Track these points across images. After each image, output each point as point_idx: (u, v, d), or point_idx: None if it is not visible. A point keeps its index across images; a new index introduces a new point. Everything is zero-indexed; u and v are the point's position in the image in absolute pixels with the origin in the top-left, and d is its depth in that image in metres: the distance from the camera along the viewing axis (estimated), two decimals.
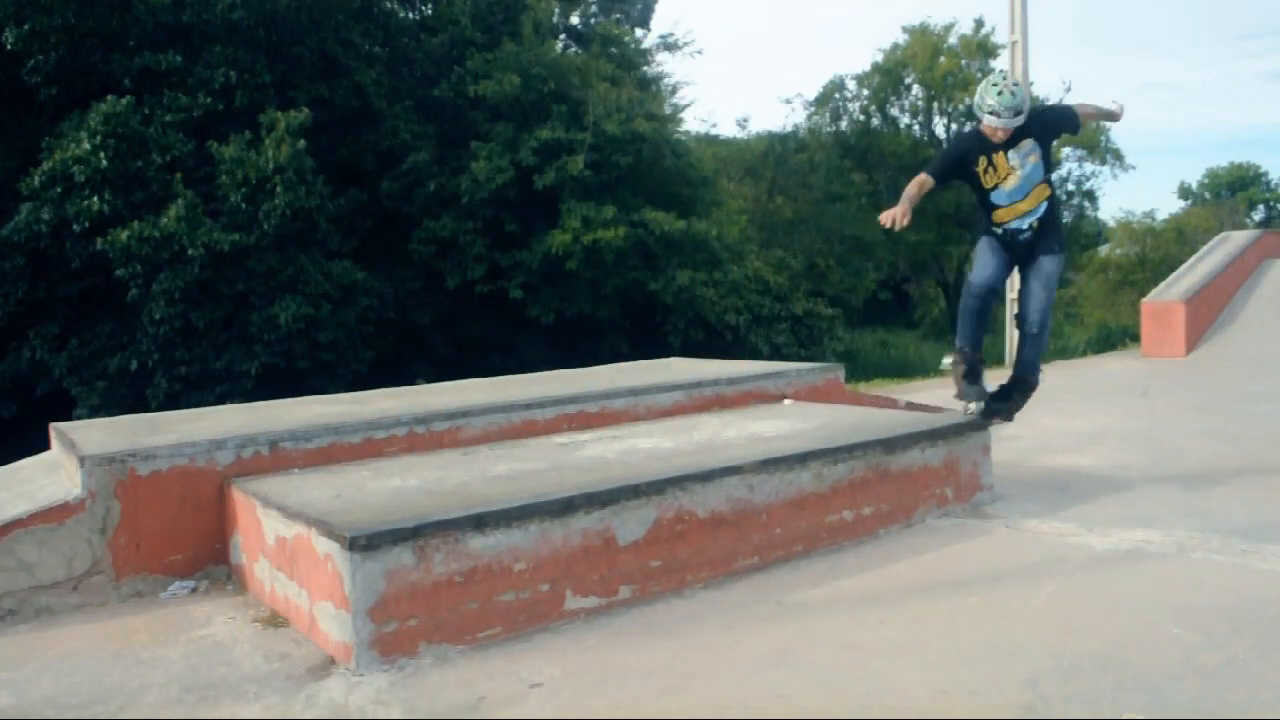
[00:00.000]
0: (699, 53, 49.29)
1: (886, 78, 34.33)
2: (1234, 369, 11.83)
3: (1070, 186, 34.90)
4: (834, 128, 34.73)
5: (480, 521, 3.60)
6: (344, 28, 20.77)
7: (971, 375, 5.48)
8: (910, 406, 7.45)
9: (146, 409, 14.73)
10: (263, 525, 4.07)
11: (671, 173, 22.73)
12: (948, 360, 5.36)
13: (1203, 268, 16.18)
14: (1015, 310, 5.46)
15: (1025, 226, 5.28)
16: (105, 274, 17.05)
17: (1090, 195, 35.27)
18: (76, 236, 16.86)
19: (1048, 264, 5.32)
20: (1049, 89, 53.53)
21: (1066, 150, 33.62)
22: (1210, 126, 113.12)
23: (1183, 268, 16.64)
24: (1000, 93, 4.95)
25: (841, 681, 3.15)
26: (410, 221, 20.97)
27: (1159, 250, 35.06)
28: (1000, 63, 32.00)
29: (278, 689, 3.26)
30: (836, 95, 34.88)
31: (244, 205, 17.45)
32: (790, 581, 4.16)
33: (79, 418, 14.58)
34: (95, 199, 16.64)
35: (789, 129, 34.00)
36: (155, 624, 3.93)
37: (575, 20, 26.53)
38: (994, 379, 5.77)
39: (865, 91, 34.83)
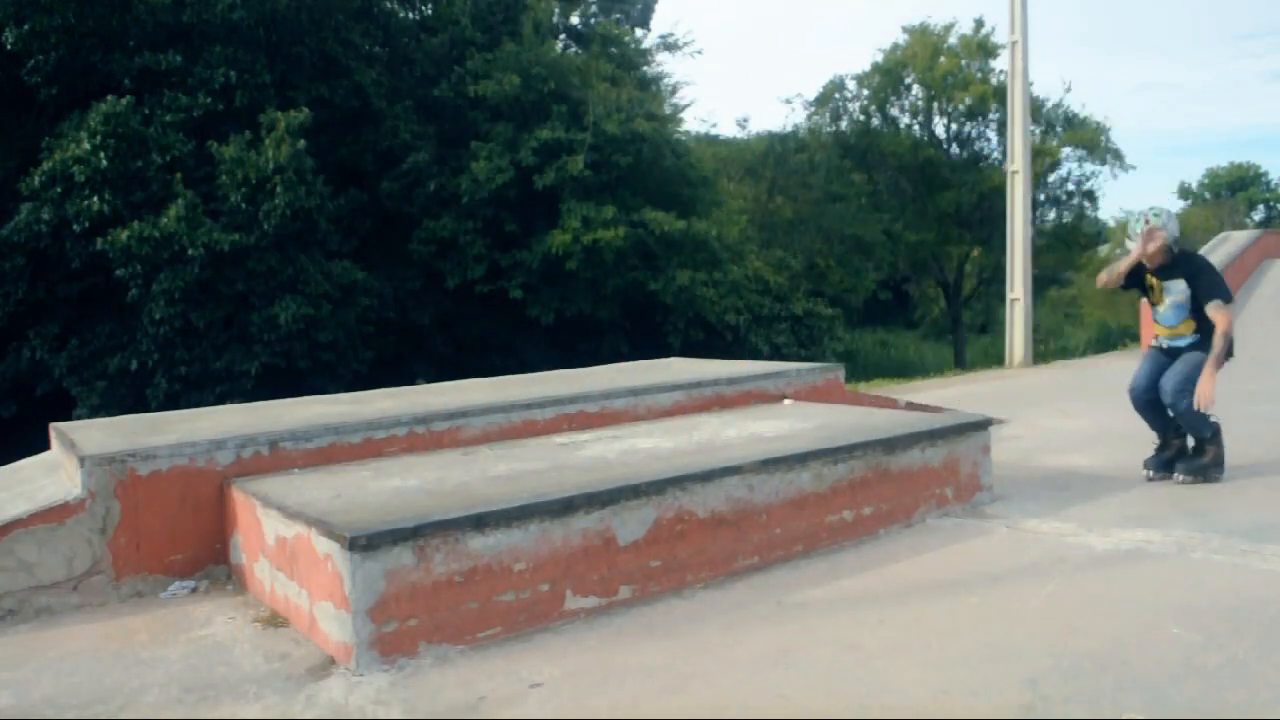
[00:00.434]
0: (699, 53, 49.40)
1: (886, 78, 34.28)
2: (1233, 369, 11.76)
3: (1070, 186, 34.86)
4: (834, 128, 34.68)
5: (480, 521, 3.60)
6: (344, 28, 20.77)
7: (1181, 456, 5.91)
8: (910, 406, 7.46)
9: (146, 409, 14.73)
10: (263, 525, 4.07)
11: (671, 173, 22.72)
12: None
13: None
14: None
15: (1181, 345, 5.81)
16: (105, 274, 17.05)
17: (1090, 195, 35.17)
18: (76, 236, 16.86)
19: (1194, 356, 5.69)
20: (1049, 89, 53.66)
21: (1066, 150, 33.57)
22: (1210, 126, 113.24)
23: None
24: (1138, 222, 5.71)
25: (841, 681, 3.15)
26: (410, 221, 20.97)
27: None
28: (1000, 63, 32.00)
29: (278, 689, 3.26)
30: (836, 95, 34.85)
31: (244, 205, 17.45)
32: (790, 581, 4.16)
33: (79, 418, 14.58)
34: (95, 199, 16.64)
35: (789, 129, 33.96)
36: (155, 624, 3.93)
37: (575, 20, 26.53)
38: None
39: (865, 91, 34.79)
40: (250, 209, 17.48)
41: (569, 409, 5.71)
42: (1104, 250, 39.16)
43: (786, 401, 6.60)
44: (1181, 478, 5.75)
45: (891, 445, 4.95)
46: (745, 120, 64.25)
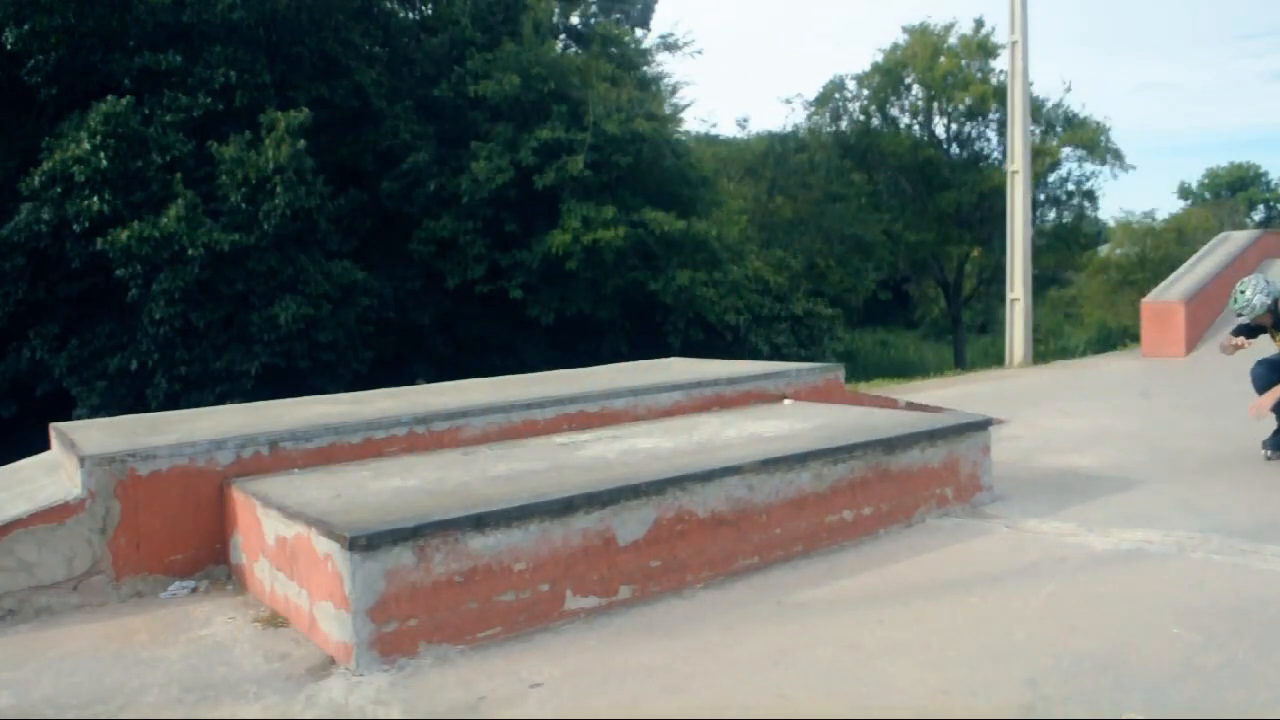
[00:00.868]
0: (699, 53, 49.33)
1: (886, 78, 34.25)
2: (1234, 369, 11.79)
3: (1070, 186, 34.82)
4: (834, 128, 34.64)
5: (480, 521, 3.60)
6: (344, 28, 20.76)
7: None
8: (910, 406, 7.46)
9: (146, 409, 14.73)
10: (263, 525, 4.07)
11: (671, 173, 22.72)
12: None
13: (1203, 268, 16.18)
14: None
15: None
16: (105, 274, 17.04)
17: (1090, 195, 35.11)
18: (76, 236, 16.85)
19: None
20: (1049, 89, 53.62)
21: (1066, 150, 33.54)
22: (1210, 126, 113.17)
23: (1183, 268, 16.64)
24: (1234, 301, 6.59)
25: (841, 681, 3.15)
26: (410, 221, 20.97)
27: (1159, 250, 35.04)
28: (1000, 63, 31.99)
29: (278, 689, 3.26)
30: (836, 95, 34.81)
31: (244, 205, 17.44)
32: (790, 581, 4.16)
33: (79, 418, 14.58)
34: (95, 199, 16.63)
35: (789, 129, 33.90)
36: (155, 624, 3.93)
37: (575, 20, 26.52)
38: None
39: (865, 91, 34.74)
40: (250, 209, 17.48)
41: (569, 409, 5.71)
42: (1104, 250, 39.17)
43: (786, 401, 6.60)
44: None
45: (891, 445, 4.95)
46: (745, 120, 64.25)
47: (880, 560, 4.42)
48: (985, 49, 33.26)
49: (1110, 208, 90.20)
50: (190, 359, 17.33)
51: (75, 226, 16.73)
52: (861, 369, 24.48)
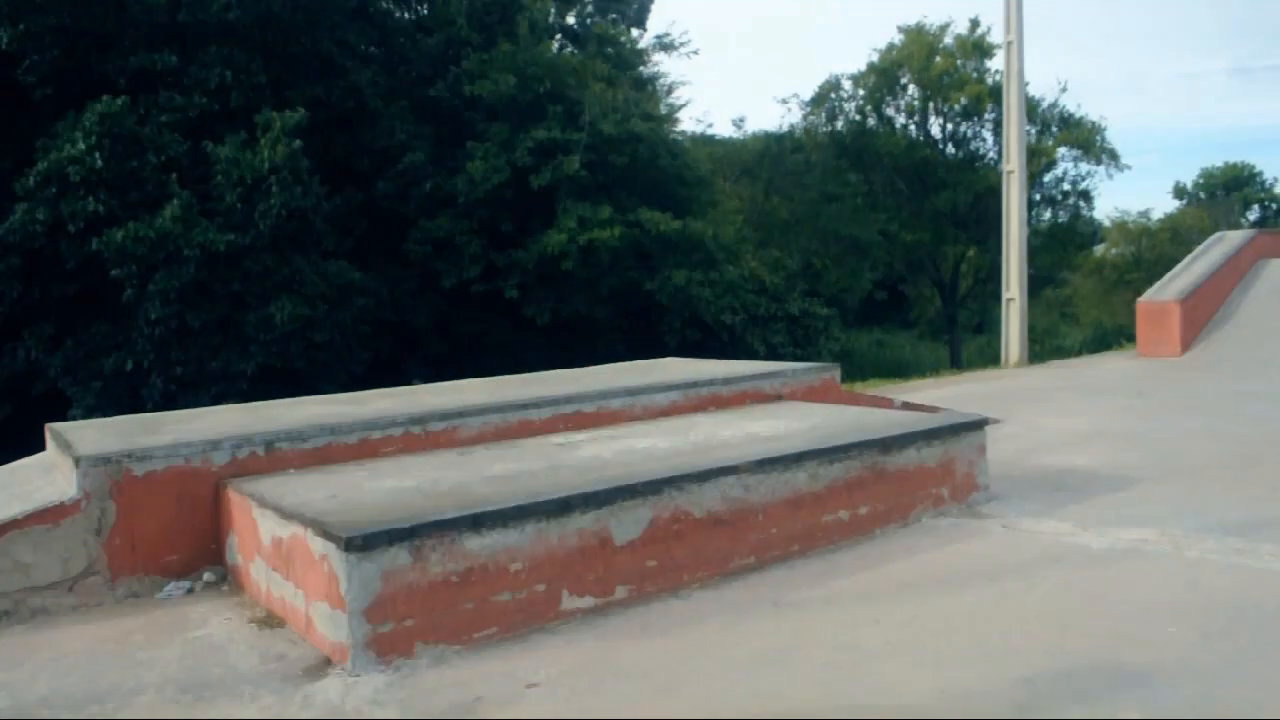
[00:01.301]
0: (695, 53, 49.22)
1: (882, 78, 34.29)
2: (1229, 369, 11.86)
3: (1066, 186, 34.88)
4: (830, 128, 34.67)
5: (477, 522, 3.60)
6: (340, 28, 20.75)
7: None
8: (906, 406, 7.46)
9: (142, 409, 14.70)
10: (259, 526, 4.07)
11: (667, 173, 22.73)
12: None
13: (1198, 267, 16.19)
14: None
15: None
16: (101, 274, 17.02)
17: (1086, 195, 35.16)
18: (72, 237, 16.83)
19: None
20: (1044, 89, 53.69)
21: (1062, 150, 33.59)
22: (1206, 126, 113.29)
23: (1178, 267, 16.65)
24: None
25: (838, 681, 3.15)
26: (406, 221, 20.96)
27: (1154, 250, 35.14)
28: (996, 63, 32.04)
29: (274, 689, 3.26)
30: (832, 95, 34.84)
31: (239, 205, 17.43)
32: (787, 581, 4.16)
33: (74, 418, 14.54)
34: (90, 199, 16.62)
35: (785, 129, 33.96)
36: (151, 625, 3.93)
37: (571, 20, 26.53)
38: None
39: (861, 92, 34.78)
40: (246, 209, 17.47)
41: (565, 409, 5.71)
42: (1099, 250, 39.25)
43: (783, 401, 6.60)
44: None
45: (887, 445, 4.95)
46: (741, 120, 64.04)
47: (876, 560, 4.42)
48: (981, 49, 33.32)
49: (1105, 207, 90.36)
50: (186, 359, 17.31)
51: (70, 227, 16.70)
52: (857, 369, 24.49)
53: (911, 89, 34.52)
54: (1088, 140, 33.18)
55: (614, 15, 26.38)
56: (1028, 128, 25.18)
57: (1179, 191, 61.02)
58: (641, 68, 26.54)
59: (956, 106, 33.54)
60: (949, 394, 10.11)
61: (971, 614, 3.70)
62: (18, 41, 17.37)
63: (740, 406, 6.37)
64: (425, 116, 21.74)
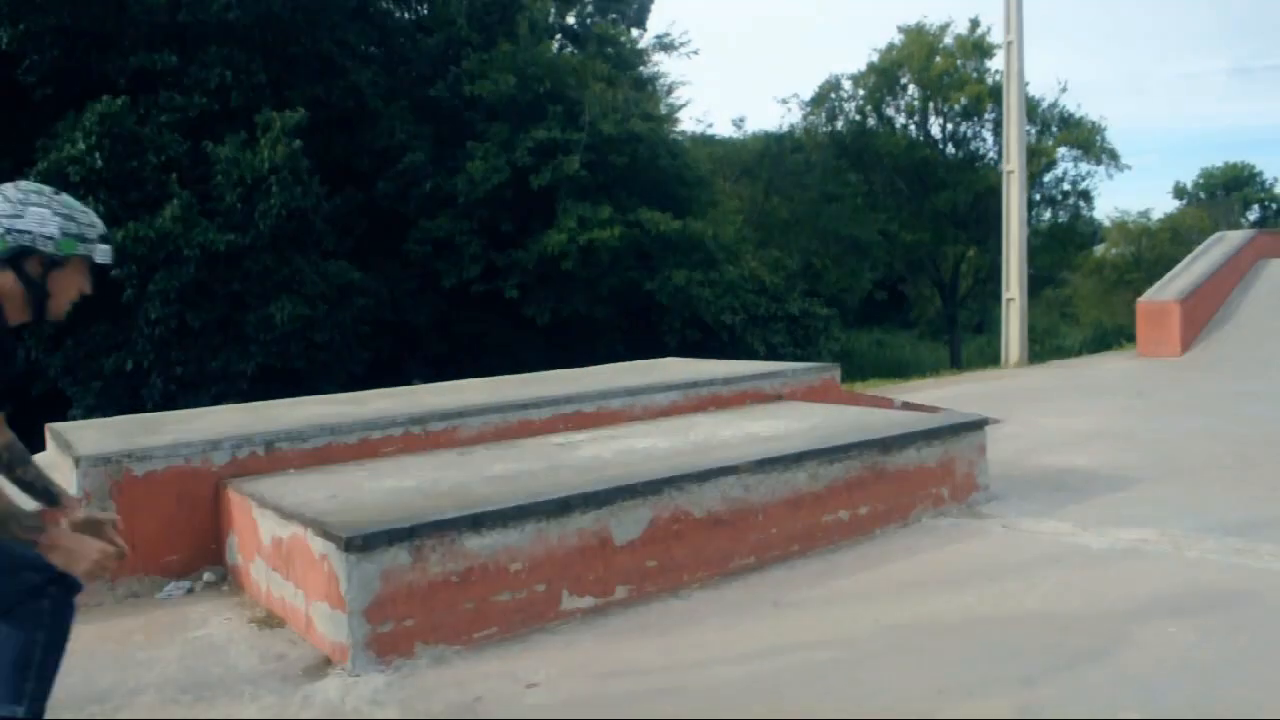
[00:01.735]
0: (695, 53, 49.30)
1: (882, 78, 34.27)
2: (1229, 369, 11.86)
3: (1066, 186, 34.86)
4: (830, 128, 34.65)
5: (476, 522, 3.60)
6: (340, 28, 20.74)
7: None
8: (906, 406, 7.47)
9: (142, 409, 14.69)
10: (259, 526, 4.07)
11: (667, 173, 22.72)
12: None
13: (1198, 268, 16.20)
14: None
15: None
16: (101, 274, 16.98)
17: (1086, 195, 35.14)
18: None
19: None
20: (1045, 89, 53.67)
21: (1062, 150, 33.57)
22: (1206, 126, 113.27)
23: (1178, 267, 16.65)
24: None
25: (838, 681, 3.15)
26: (406, 221, 20.95)
27: (1154, 250, 35.13)
28: (996, 63, 32.02)
29: (274, 689, 3.26)
30: (832, 95, 34.83)
31: (239, 205, 17.42)
32: (786, 581, 4.16)
33: (74, 418, 14.54)
34: (90, 199, 16.57)
35: (785, 129, 33.94)
36: (151, 625, 3.93)
37: (571, 20, 26.52)
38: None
39: (861, 92, 34.77)
40: (246, 209, 17.46)
41: (565, 409, 5.71)
42: (1099, 250, 39.24)
43: (783, 401, 6.60)
44: None
45: (887, 445, 4.95)
46: (741, 120, 64.07)
47: (876, 560, 4.42)
48: (981, 49, 33.30)
49: (1105, 207, 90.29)
50: (186, 359, 17.31)
51: None
52: (857, 369, 24.48)
53: (911, 89, 34.51)
54: (1088, 140, 33.16)
55: (614, 15, 26.37)
56: (1028, 128, 25.17)
57: (1179, 191, 60.98)
58: (641, 68, 26.54)
59: (956, 106, 33.53)
60: (949, 394, 10.11)
61: (971, 614, 3.70)
62: (18, 41, 17.36)
63: (740, 406, 6.37)
64: (425, 116, 21.74)
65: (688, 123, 45.95)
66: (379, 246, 21.01)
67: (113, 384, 17.20)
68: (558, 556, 3.78)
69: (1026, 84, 16.50)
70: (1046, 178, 33.93)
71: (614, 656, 3.43)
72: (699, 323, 21.26)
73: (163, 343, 17.11)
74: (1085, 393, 10.38)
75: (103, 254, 2.87)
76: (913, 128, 35.09)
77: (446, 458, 4.87)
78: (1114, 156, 33.70)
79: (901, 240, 32.53)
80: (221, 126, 18.17)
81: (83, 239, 2.80)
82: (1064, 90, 51.21)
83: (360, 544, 3.36)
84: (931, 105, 34.31)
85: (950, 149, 34.75)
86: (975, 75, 33.21)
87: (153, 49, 18.27)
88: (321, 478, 4.43)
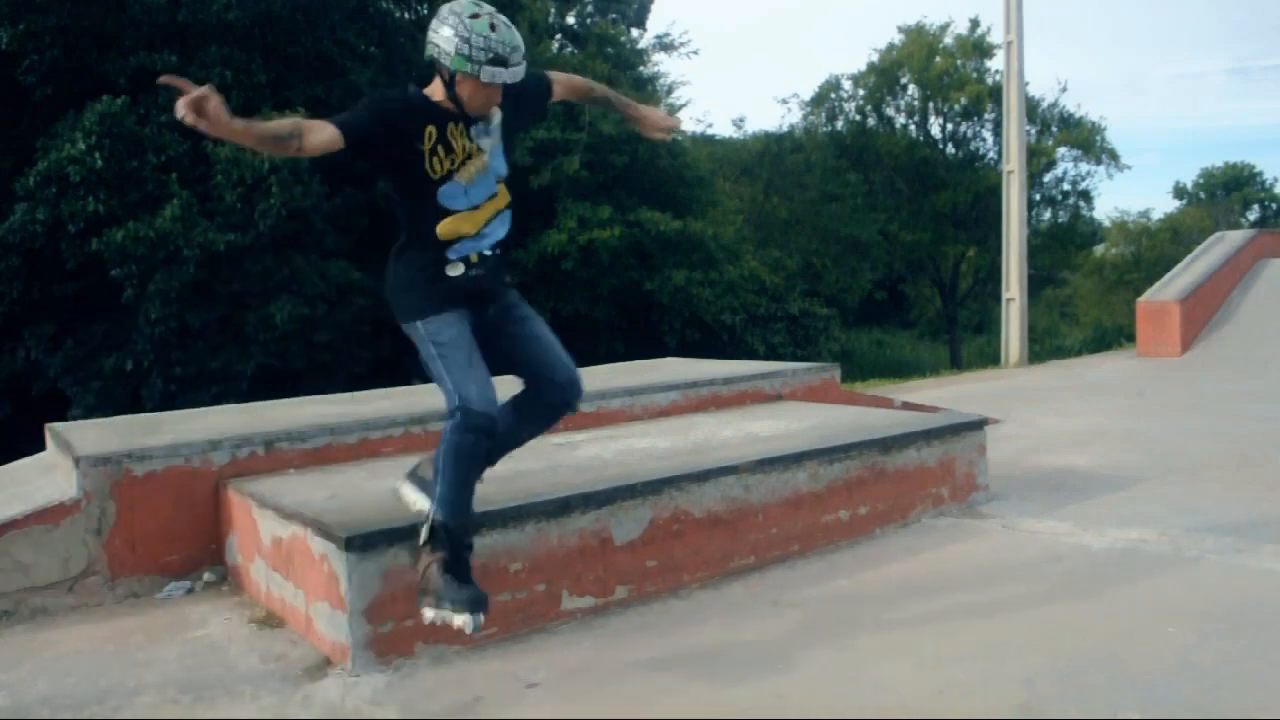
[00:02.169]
0: (695, 53, 49.26)
1: (882, 78, 34.32)
2: (1229, 369, 11.86)
3: (1066, 186, 34.91)
4: (830, 128, 34.70)
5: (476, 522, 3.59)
6: (340, 28, 20.75)
7: None
8: (906, 406, 7.46)
9: (142, 409, 14.71)
10: (258, 526, 4.07)
11: (667, 173, 22.74)
12: None
13: (1198, 267, 16.20)
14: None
15: (488, 250, 3.31)
16: (100, 274, 17.02)
17: (1086, 195, 35.22)
18: (71, 237, 16.83)
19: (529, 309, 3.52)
20: (1044, 89, 53.65)
21: (1062, 150, 33.60)
22: (1205, 126, 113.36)
23: (1178, 267, 16.66)
24: (494, 26, 3.02)
25: (837, 681, 3.15)
26: None
27: (1154, 250, 35.16)
28: (996, 63, 32.03)
29: (274, 689, 3.26)
30: (832, 95, 34.88)
31: (239, 205, 17.42)
32: (786, 581, 4.16)
33: (74, 418, 14.54)
34: (90, 199, 16.61)
35: (785, 129, 34.00)
36: (151, 625, 3.93)
37: (571, 20, 26.56)
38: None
39: (861, 92, 34.82)
40: (246, 209, 17.46)
41: None
42: (1099, 250, 39.26)
43: (783, 401, 6.60)
44: None
45: (887, 445, 4.95)
46: (741, 120, 64.05)
47: (876, 560, 4.42)
48: (981, 49, 33.34)
49: (1105, 207, 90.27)
50: (186, 359, 17.31)
51: (70, 227, 16.70)
52: (857, 369, 24.51)
53: (911, 89, 34.55)
54: (1088, 140, 33.20)
55: (614, 15, 26.41)
56: (1028, 128, 25.20)
57: (1179, 191, 60.99)
58: (641, 68, 26.57)
59: (956, 106, 33.56)
60: (949, 394, 10.11)
61: (971, 614, 3.70)
62: (18, 41, 17.37)
63: (740, 406, 6.36)
64: None
65: (688, 123, 45.96)
66: (380, 246, 20.85)
67: (112, 384, 17.21)
68: (558, 556, 3.78)
69: (1026, 84, 16.51)
70: (1046, 178, 33.96)
71: (614, 657, 3.43)
72: (699, 322, 21.27)
73: (163, 343, 17.11)
74: (1085, 393, 10.38)
75: (489, 74, 3.04)
76: (913, 128, 35.14)
77: None
78: (1114, 156, 33.77)
79: (901, 240, 32.56)
80: None
81: (470, 59, 3.03)
82: (1064, 90, 51.32)
83: (360, 544, 3.36)
84: (931, 105, 34.34)
85: (950, 149, 34.77)
86: (975, 75, 33.25)
87: (153, 49, 18.27)
88: (321, 478, 4.43)
